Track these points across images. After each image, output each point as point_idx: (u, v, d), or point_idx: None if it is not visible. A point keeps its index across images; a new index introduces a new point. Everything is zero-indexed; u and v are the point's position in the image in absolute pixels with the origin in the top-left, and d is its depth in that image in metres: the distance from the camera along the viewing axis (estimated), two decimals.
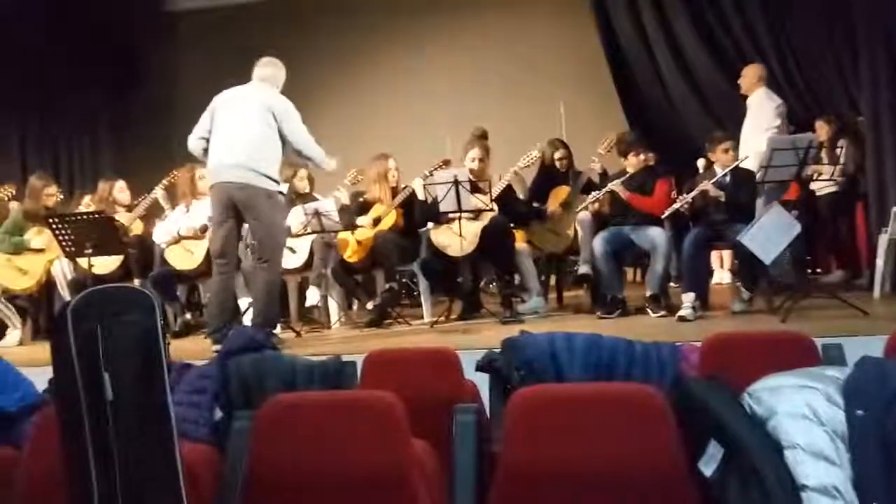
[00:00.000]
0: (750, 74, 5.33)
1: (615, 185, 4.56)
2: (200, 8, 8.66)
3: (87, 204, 5.74)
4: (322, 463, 1.79)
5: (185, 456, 1.72)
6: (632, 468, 1.70)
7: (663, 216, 4.42)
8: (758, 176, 4.16)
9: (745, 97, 5.40)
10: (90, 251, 4.36)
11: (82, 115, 8.10)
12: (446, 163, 5.23)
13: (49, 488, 1.81)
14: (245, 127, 4.02)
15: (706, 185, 4.31)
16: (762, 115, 5.12)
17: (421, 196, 4.90)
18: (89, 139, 8.15)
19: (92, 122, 8.15)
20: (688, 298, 4.13)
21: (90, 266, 4.47)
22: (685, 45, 6.80)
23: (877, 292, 4.62)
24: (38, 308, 5.57)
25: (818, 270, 5.95)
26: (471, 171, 4.76)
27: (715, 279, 6.05)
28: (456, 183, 4.37)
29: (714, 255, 5.91)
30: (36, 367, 3.05)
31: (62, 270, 5.28)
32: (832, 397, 1.60)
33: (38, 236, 5.32)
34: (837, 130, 5.46)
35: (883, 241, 4.66)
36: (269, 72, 4.23)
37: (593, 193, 4.64)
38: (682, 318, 4.05)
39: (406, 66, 8.37)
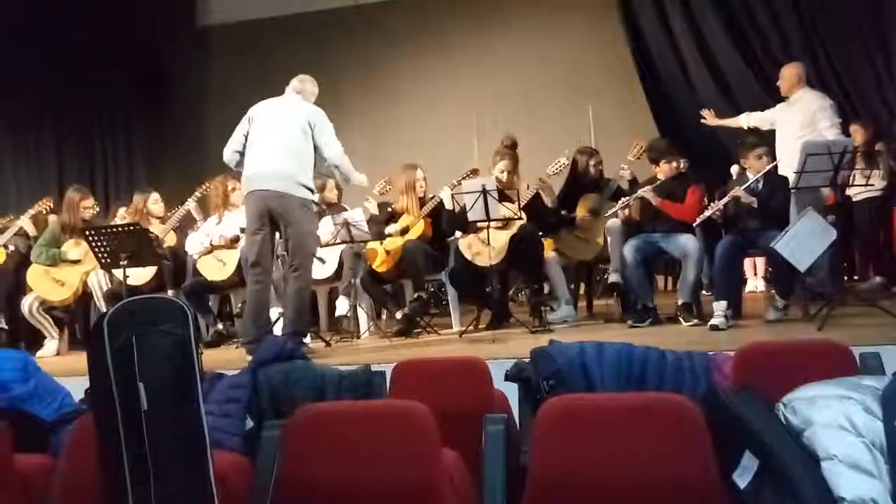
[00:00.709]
0: (789, 75, 5.09)
1: (645, 192, 4.52)
2: (230, 22, 8.81)
3: (122, 216, 5.85)
4: (352, 473, 1.79)
5: (217, 465, 1.74)
6: (664, 480, 1.67)
7: (695, 224, 4.37)
8: (791, 181, 4.09)
9: (778, 100, 5.28)
10: (125, 262, 4.44)
11: (117, 129, 8.29)
12: (474, 171, 5.23)
13: (85, 498, 1.85)
14: (282, 136, 4.09)
15: (738, 191, 4.25)
16: (818, 115, 4.90)
17: (449, 205, 4.90)
18: (124, 152, 8.32)
19: (126, 135, 8.33)
20: (719, 307, 4.06)
21: (125, 277, 4.55)
22: (714, 49, 6.74)
23: None
24: (75, 318, 5.69)
25: (855, 277, 5.82)
26: (498, 180, 4.76)
27: (749, 287, 5.96)
28: (484, 192, 4.36)
29: (747, 262, 5.83)
30: (73, 377, 3.11)
31: (98, 281, 5.38)
32: (870, 408, 1.56)
33: (74, 248, 5.43)
34: (873, 135, 5.35)
35: None
36: (304, 86, 4.33)
37: (622, 199, 4.58)
38: (713, 327, 3.99)
39: (432, 75, 8.41)
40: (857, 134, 5.24)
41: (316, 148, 4.12)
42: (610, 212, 4.61)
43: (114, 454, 1.63)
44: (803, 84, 5.05)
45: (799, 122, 4.91)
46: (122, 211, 5.97)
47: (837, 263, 4.49)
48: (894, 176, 5.35)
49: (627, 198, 4.57)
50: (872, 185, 5.24)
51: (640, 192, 4.49)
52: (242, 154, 4.19)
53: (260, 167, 4.08)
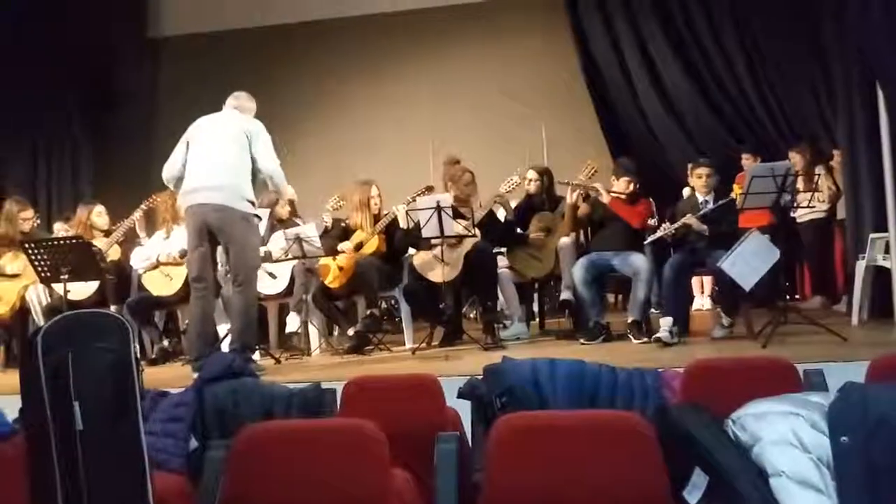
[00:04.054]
0: None
1: (598, 185, 4.68)
2: (181, 34, 8.65)
3: (65, 228, 5.66)
4: (299, 494, 1.74)
5: (158, 487, 1.67)
6: (615, 496, 1.67)
7: (645, 243, 4.44)
8: (738, 203, 4.21)
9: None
10: (66, 277, 4.29)
11: (62, 140, 8.03)
12: (429, 189, 5.23)
13: None
14: (221, 150, 4.04)
15: (689, 219, 4.34)
16: None
17: (403, 222, 4.89)
18: (69, 164, 8.06)
19: (71, 147, 8.07)
20: (665, 323, 4.15)
21: (66, 292, 4.39)
22: (662, 70, 6.91)
23: (855, 319, 4.66)
24: (12, 335, 5.45)
25: (797, 297, 5.99)
26: (455, 197, 4.78)
27: (695, 305, 6.08)
28: (438, 208, 4.36)
29: (695, 281, 5.94)
30: (9, 395, 2.97)
31: (37, 296, 5.19)
32: (817, 424, 1.59)
33: (12, 262, 5.22)
34: (812, 160, 5.54)
35: (860, 267, 4.71)
36: (242, 104, 4.29)
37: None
38: (659, 341, 4.06)
39: (388, 92, 8.39)
40: (796, 160, 5.42)
41: (253, 160, 4.08)
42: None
43: (46, 477, 1.54)
44: None
45: None
46: (58, 225, 5.78)
47: (778, 281, 4.60)
48: (835, 198, 5.53)
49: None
50: (814, 206, 5.43)
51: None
52: (180, 177, 4.12)
53: (199, 182, 4.02)
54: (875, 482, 1.50)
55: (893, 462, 1.50)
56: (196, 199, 4.02)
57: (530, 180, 5.25)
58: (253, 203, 4.10)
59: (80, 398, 1.54)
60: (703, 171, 4.55)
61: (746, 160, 5.99)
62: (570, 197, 4.77)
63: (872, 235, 4.69)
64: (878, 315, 4.64)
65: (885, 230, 4.56)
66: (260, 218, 4.36)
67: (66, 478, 1.54)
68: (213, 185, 3.98)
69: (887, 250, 4.57)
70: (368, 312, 4.89)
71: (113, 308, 5.12)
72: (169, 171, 4.18)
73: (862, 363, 2.26)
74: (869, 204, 4.82)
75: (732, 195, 4.68)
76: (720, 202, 4.40)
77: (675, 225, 4.35)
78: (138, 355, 1.62)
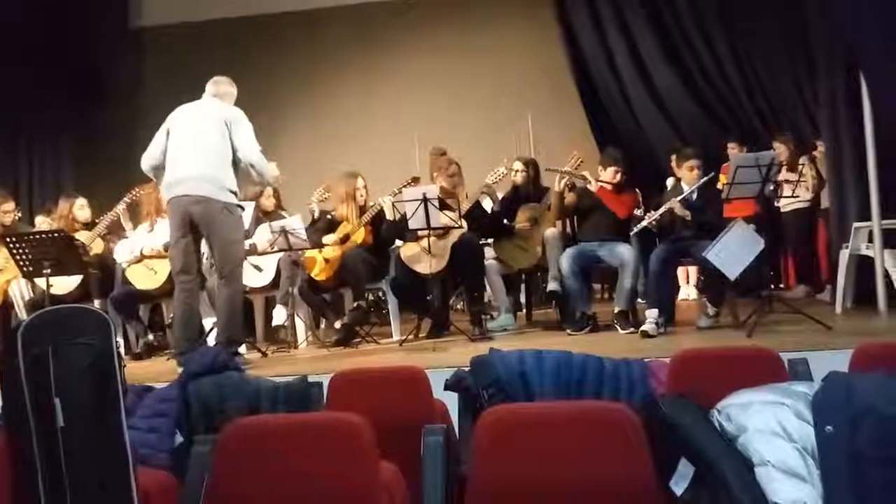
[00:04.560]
0: None
1: (587, 175, 4.71)
2: (165, 24, 8.55)
3: (48, 222, 5.59)
4: (286, 489, 1.73)
5: (142, 484, 1.65)
6: (603, 487, 1.67)
7: (631, 233, 4.45)
8: (723, 193, 4.22)
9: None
10: (48, 271, 4.23)
11: (44, 132, 7.92)
12: (415, 180, 5.21)
13: None
14: (202, 140, 3.99)
15: (673, 202, 4.34)
16: None
17: (389, 214, 4.87)
18: (51, 156, 7.95)
19: (53, 139, 7.96)
20: (651, 314, 4.17)
21: (48, 286, 4.34)
22: (649, 64, 6.92)
23: (838, 307, 4.69)
24: None
25: (781, 286, 6.03)
26: (441, 188, 4.76)
27: (681, 295, 6.11)
28: (425, 200, 4.34)
29: (680, 271, 5.97)
30: None
31: (20, 291, 5.13)
32: (801, 413, 1.60)
33: None
34: (795, 150, 5.58)
35: (844, 256, 4.74)
36: (222, 89, 4.22)
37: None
38: (644, 333, 4.08)
39: (375, 82, 8.35)
40: (780, 150, 5.45)
41: (234, 149, 4.02)
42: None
43: (28, 474, 1.52)
44: None
45: None
46: (40, 218, 5.71)
47: (764, 269, 4.63)
48: (818, 188, 5.57)
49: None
50: (798, 195, 5.46)
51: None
52: (160, 166, 4.06)
53: (180, 173, 3.97)
54: (859, 471, 1.51)
55: (877, 451, 1.51)
56: (177, 190, 3.97)
57: (517, 171, 5.24)
58: (235, 193, 4.06)
59: (60, 394, 1.52)
60: (694, 162, 4.53)
61: (732, 149, 6.01)
62: (557, 185, 4.78)
63: (856, 224, 4.73)
64: (862, 304, 4.68)
65: (869, 219, 4.59)
66: (243, 209, 4.31)
67: (47, 475, 1.52)
68: (194, 175, 3.93)
69: (871, 239, 4.61)
70: (355, 305, 4.87)
71: (97, 302, 5.08)
72: (148, 160, 4.13)
73: (846, 352, 2.27)
74: (853, 193, 4.86)
75: (719, 185, 4.69)
76: (702, 180, 4.40)
77: (660, 210, 4.35)
78: (121, 350, 1.60)
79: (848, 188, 4.90)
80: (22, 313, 5.06)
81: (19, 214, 5.57)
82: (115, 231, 5.45)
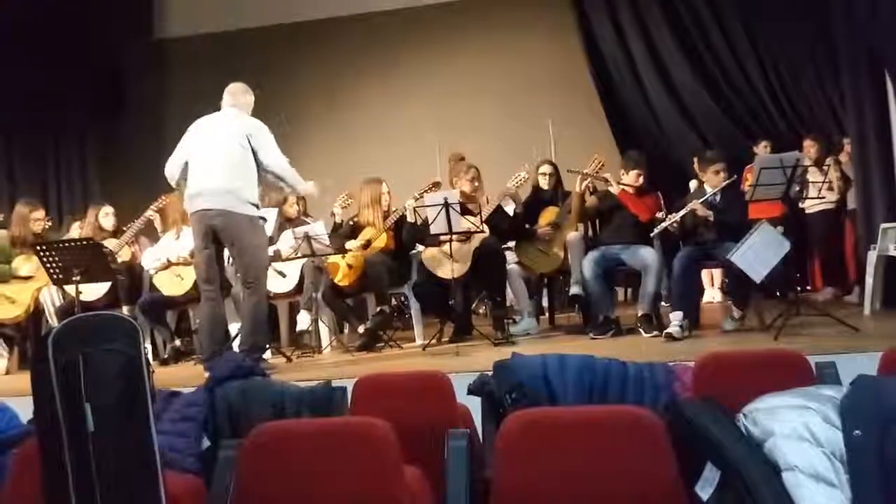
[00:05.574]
0: None
1: (609, 177, 4.69)
2: (188, 35, 8.67)
3: (78, 228, 5.69)
4: (311, 493, 1.74)
5: (170, 487, 1.67)
6: (627, 492, 1.66)
7: (652, 235, 4.42)
8: (747, 195, 4.18)
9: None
10: (78, 278, 4.31)
11: (71, 141, 8.06)
12: (436, 185, 5.22)
13: None
14: (222, 153, 4.01)
15: (695, 204, 4.31)
16: None
17: (411, 219, 4.89)
18: (78, 165, 8.10)
19: (80, 148, 8.10)
20: (675, 317, 4.13)
21: (78, 293, 4.42)
22: (670, 66, 6.89)
23: (867, 309, 4.62)
24: (26, 336, 5.49)
25: (808, 288, 5.96)
26: (462, 193, 4.77)
27: (706, 298, 6.05)
28: (446, 205, 4.35)
29: (704, 273, 5.92)
30: (23, 396, 2.98)
31: (50, 298, 5.22)
32: (829, 418, 1.57)
33: (25, 264, 5.26)
34: (824, 150, 5.51)
35: (872, 257, 4.67)
36: (240, 100, 4.23)
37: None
38: (669, 336, 4.05)
39: (396, 89, 8.39)
40: (811, 148, 5.38)
41: (257, 162, 4.04)
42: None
43: (59, 478, 1.55)
44: None
45: None
46: (75, 225, 5.80)
47: (790, 273, 4.57)
48: (845, 189, 5.49)
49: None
50: (824, 197, 5.39)
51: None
52: (181, 178, 4.12)
53: (202, 186, 4.01)
54: (889, 476, 1.49)
55: None
56: (199, 203, 4.02)
57: (545, 174, 5.23)
58: (257, 206, 4.08)
59: (90, 399, 1.55)
60: (719, 166, 4.47)
61: (765, 148, 5.91)
62: (578, 187, 4.76)
63: (884, 225, 4.65)
64: (891, 305, 4.61)
65: None
66: (265, 220, 4.33)
67: (78, 479, 1.55)
68: (214, 188, 3.96)
69: None
70: (378, 309, 4.89)
71: (125, 308, 5.15)
72: (170, 169, 4.19)
73: (875, 355, 2.24)
74: (880, 194, 4.80)
75: (743, 187, 4.65)
76: (724, 182, 4.36)
77: (682, 211, 4.32)
78: (149, 356, 1.62)
79: (875, 188, 4.83)
80: (52, 319, 5.15)
81: (49, 223, 5.66)
82: (150, 236, 5.53)
